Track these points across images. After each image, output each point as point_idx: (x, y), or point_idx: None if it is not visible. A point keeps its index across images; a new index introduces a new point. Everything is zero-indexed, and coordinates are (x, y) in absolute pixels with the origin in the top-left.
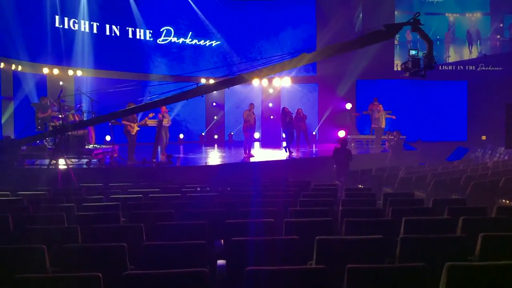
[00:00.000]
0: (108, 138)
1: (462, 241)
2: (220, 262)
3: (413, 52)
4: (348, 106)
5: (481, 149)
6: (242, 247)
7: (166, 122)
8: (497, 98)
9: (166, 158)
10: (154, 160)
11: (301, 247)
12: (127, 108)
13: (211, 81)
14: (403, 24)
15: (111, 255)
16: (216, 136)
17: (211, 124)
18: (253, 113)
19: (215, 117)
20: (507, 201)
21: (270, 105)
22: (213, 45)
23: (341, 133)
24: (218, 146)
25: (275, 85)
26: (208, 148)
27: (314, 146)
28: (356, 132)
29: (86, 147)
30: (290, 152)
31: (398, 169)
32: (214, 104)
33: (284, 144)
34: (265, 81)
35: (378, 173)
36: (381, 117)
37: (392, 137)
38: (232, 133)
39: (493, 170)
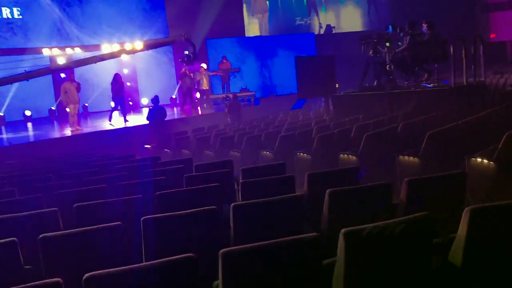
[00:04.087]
0: None
1: None
2: None
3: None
4: (203, 66)
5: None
6: None
7: None
8: None
9: None
10: None
11: None
12: None
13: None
14: None
15: None
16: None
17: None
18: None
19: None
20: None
21: (126, 71)
22: None
23: (197, 95)
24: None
25: (127, 49)
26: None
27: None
28: (210, 92)
29: None
30: (126, 121)
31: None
32: (63, 76)
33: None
34: (116, 46)
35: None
36: (203, 80)
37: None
38: (87, 104)
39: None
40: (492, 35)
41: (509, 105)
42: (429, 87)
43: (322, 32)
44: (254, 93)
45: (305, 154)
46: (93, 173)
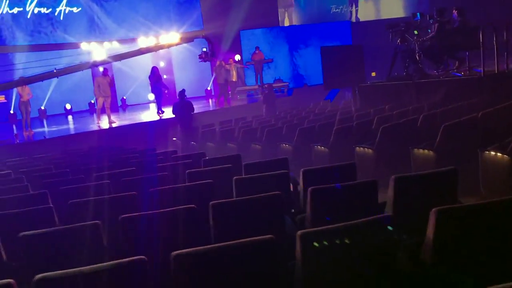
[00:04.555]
0: None
1: None
2: None
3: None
4: (237, 57)
5: None
6: None
7: (25, 96)
8: None
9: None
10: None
11: None
12: None
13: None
14: None
15: None
16: None
17: None
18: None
19: None
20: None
21: (162, 64)
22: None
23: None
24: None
25: (163, 43)
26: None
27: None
28: (243, 83)
29: None
30: (162, 112)
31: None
32: (101, 69)
33: None
34: (152, 40)
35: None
36: (232, 71)
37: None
38: (125, 97)
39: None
40: None
41: None
42: (459, 75)
43: (360, 20)
44: (287, 83)
45: (322, 147)
46: (130, 173)
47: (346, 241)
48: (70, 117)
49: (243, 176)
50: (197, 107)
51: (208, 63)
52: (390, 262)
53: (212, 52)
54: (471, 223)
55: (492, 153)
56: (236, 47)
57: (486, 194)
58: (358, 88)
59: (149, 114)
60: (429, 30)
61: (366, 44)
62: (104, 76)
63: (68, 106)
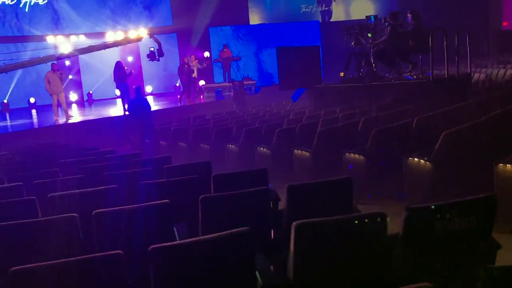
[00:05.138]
0: None
1: None
2: None
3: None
4: (206, 54)
5: None
6: None
7: None
8: None
9: None
10: None
11: None
12: None
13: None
14: None
15: None
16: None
17: (65, 84)
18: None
19: (70, 76)
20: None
21: (130, 59)
22: None
23: (201, 82)
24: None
25: (131, 38)
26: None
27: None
28: (212, 80)
29: None
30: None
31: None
32: (68, 63)
33: None
34: (120, 34)
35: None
36: (194, 68)
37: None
38: (91, 92)
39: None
40: (505, 23)
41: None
42: (410, 79)
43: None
44: (255, 81)
45: (264, 148)
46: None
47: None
48: (34, 111)
49: (212, 195)
50: (165, 103)
51: (177, 59)
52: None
53: (160, 51)
54: (330, 237)
55: (416, 159)
56: (205, 43)
57: (410, 200)
58: (312, 90)
59: (115, 110)
60: (383, 34)
61: (334, 45)
62: (54, 72)
63: (32, 100)
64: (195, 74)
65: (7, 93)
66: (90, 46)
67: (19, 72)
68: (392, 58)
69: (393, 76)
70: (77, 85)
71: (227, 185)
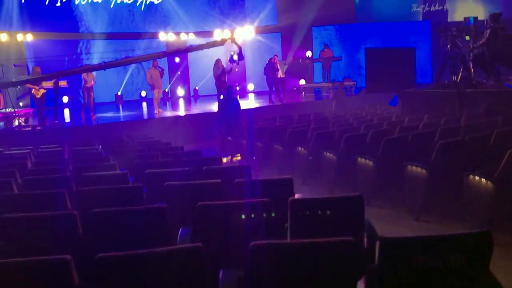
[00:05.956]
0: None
1: None
2: None
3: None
4: (308, 54)
5: None
6: None
7: (89, 82)
8: None
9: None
10: (56, 121)
11: None
12: (32, 71)
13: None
14: None
15: None
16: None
17: (173, 79)
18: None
19: (178, 72)
20: None
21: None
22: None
23: (302, 82)
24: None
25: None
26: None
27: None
28: (312, 80)
29: None
30: None
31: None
32: (177, 60)
33: None
34: (227, 33)
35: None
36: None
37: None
38: (197, 88)
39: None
40: None
41: None
42: (511, 87)
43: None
44: (355, 82)
45: (330, 154)
46: None
47: None
48: (144, 104)
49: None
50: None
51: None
52: None
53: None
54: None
55: (477, 177)
56: (307, 43)
57: (468, 221)
58: (402, 94)
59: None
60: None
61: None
62: (155, 68)
63: (143, 93)
64: (281, 74)
65: (121, 86)
66: (199, 45)
67: (132, 67)
68: (490, 64)
69: (492, 83)
70: (185, 80)
71: (305, 219)
